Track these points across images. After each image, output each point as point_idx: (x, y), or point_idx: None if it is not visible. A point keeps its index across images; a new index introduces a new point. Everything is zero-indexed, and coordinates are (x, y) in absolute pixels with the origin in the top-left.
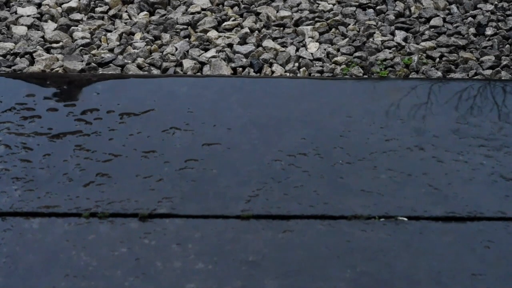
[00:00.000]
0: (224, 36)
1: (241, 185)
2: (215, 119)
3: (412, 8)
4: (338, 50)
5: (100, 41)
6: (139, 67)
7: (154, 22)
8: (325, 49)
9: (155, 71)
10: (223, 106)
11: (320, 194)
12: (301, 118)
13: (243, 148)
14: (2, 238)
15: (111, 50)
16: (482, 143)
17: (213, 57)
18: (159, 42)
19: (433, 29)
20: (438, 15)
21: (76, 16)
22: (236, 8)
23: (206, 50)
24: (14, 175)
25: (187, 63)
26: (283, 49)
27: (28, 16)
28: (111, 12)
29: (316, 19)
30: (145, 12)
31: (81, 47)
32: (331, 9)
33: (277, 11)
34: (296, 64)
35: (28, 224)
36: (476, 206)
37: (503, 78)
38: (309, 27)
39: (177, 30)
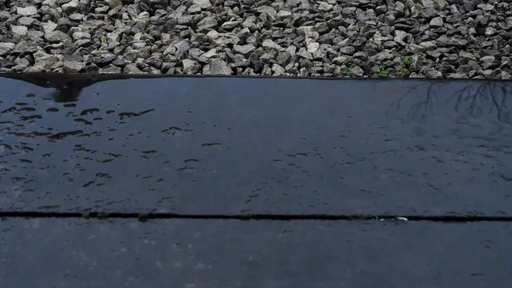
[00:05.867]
0: (224, 36)
1: (241, 185)
2: (215, 119)
3: (412, 8)
4: (338, 50)
5: (100, 41)
6: (139, 67)
7: (154, 22)
8: (325, 49)
9: (155, 71)
10: (223, 106)
11: (320, 194)
12: (301, 118)
13: (243, 148)
14: (2, 238)
15: (111, 50)
16: (482, 143)
17: (213, 57)
18: (159, 42)
19: (433, 29)
20: (438, 15)
21: (76, 16)
22: (236, 8)
23: (206, 50)
24: (14, 175)
25: (187, 63)
26: (283, 49)
27: (28, 16)
28: (111, 12)
29: (316, 19)
30: (145, 12)
31: (81, 47)
32: (331, 9)
33: (277, 11)
34: (296, 64)
35: (28, 224)
36: (476, 206)
37: (503, 78)
38: (309, 27)
39: (177, 30)
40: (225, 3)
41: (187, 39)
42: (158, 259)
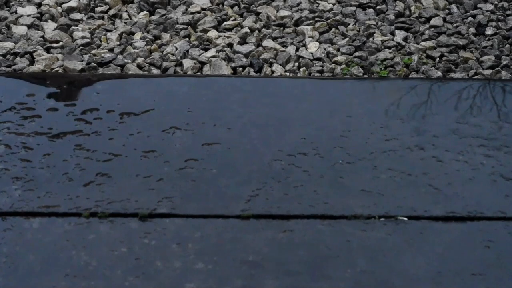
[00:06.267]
0: (224, 36)
1: (241, 185)
2: (215, 119)
3: (412, 8)
4: (338, 50)
5: (100, 40)
6: (139, 67)
7: (154, 22)
8: (325, 49)
9: (155, 71)
10: (223, 106)
11: (320, 194)
12: (301, 118)
13: (243, 148)
14: (2, 238)
15: (111, 50)
16: (482, 143)
17: (213, 56)
18: (159, 42)
19: (433, 28)
20: (438, 15)
21: (76, 15)
22: (236, 8)
23: (206, 50)
24: (14, 175)
25: (187, 63)
26: (283, 49)
27: (28, 15)
28: (111, 12)
29: (316, 19)
30: (145, 12)
31: (81, 47)
32: (331, 9)
33: (277, 11)
34: (296, 64)
35: (28, 224)
36: (476, 206)
37: (503, 78)
38: (309, 27)
39: (177, 30)
40: (225, 3)
41: (187, 39)
42: (158, 259)
